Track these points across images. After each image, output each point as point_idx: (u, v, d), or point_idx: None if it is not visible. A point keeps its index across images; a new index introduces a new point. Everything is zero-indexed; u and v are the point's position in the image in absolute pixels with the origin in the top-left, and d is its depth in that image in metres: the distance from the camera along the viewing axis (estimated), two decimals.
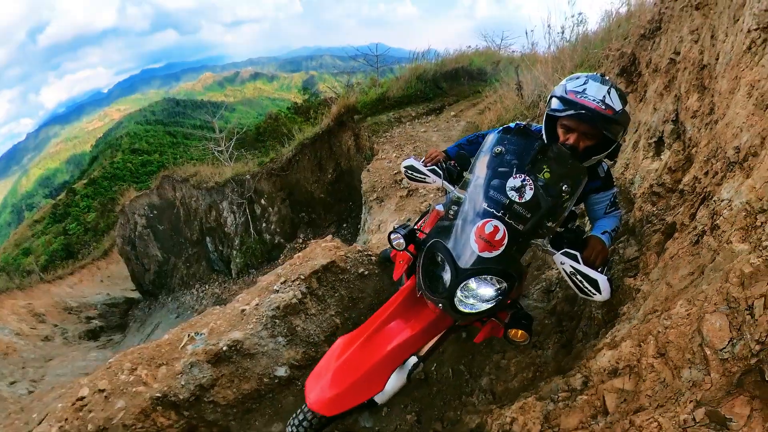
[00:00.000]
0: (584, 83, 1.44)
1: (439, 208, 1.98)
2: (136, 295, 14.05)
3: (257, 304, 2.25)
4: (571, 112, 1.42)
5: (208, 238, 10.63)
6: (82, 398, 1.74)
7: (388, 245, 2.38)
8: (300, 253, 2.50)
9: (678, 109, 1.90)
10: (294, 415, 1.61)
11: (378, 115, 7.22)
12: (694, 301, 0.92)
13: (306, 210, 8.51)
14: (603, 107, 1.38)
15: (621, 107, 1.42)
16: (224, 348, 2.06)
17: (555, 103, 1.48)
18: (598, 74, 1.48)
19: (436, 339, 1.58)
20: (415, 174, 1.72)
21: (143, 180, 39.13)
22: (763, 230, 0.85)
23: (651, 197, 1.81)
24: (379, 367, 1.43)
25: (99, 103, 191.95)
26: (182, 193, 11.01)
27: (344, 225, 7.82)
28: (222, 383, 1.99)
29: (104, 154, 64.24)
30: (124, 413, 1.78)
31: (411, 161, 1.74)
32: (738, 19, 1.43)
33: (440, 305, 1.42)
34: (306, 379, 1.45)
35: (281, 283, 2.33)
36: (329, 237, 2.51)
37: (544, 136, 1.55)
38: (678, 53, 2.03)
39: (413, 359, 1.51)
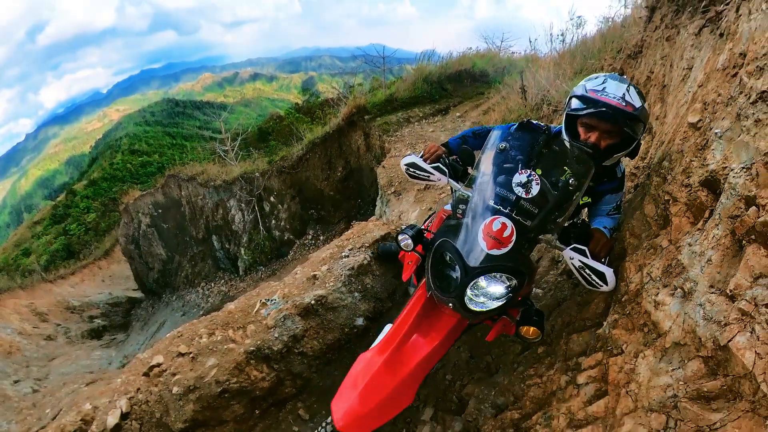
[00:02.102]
0: (603, 82, 1.43)
1: (447, 207, 1.92)
2: (138, 294, 14.05)
3: (328, 269, 2.53)
4: (592, 110, 1.40)
5: (214, 236, 10.67)
6: (158, 365, 1.80)
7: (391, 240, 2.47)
8: (352, 230, 2.72)
9: (648, 114, 2.46)
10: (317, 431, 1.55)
11: (387, 116, 7.36)
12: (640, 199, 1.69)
13: (315, 207, 8.61)
14: (623, 104, 1.38)
15: (641, 104, 1.41)
16: (312, 302, 2.29)
17: (575, 103, 1.46)
18: (616, 73, 1.51)
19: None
20: (417, 172, 1.65)
21: (143, 181, 39.09)
22: (663, 167, 1.50)
23: (629, 178, 2.37)
24: (407, 382, 1.40)
25: (98, 104, 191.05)
26: (188, 191, 11.05)
27: (353, 222, 7.93)
28: (310, 334, 2.19)
29: (104, 155, 64.17)
30: (216, 370, 1.87)
31: (412, 158, 1.66)
32: (682, 57, 1.98)
33: (450, 304, 1.41)
34: (331, 401, 1.39)
35: (349, 250, 2.66)
36: (374, 217, 2.67)
37: (564, 137, 1.53)
38: (652, 72, 2.62)
39: None
